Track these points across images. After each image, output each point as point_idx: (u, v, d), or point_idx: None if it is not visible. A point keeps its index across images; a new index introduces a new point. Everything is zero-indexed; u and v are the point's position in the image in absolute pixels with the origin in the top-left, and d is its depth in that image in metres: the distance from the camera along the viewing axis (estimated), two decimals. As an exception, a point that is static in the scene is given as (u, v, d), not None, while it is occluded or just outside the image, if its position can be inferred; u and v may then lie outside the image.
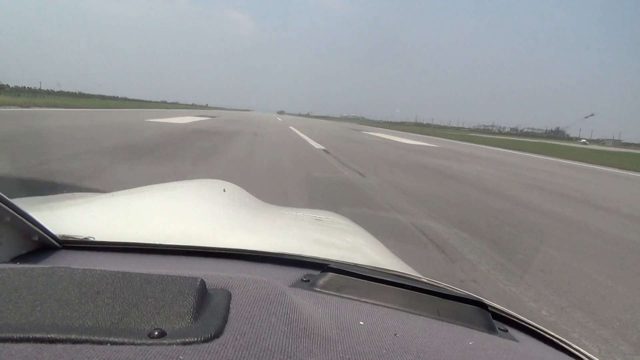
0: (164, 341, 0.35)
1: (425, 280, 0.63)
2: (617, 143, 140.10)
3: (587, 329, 2.28)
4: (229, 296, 0.44)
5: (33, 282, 0.40)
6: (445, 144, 23.45)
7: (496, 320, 0.57)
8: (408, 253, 3.37)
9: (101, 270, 0.42)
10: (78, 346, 0.33)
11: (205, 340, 0.35)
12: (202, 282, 0.42)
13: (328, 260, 0.66)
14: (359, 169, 8.06)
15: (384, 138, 24.54)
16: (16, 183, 4.33)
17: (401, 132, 42.63)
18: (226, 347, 0.35)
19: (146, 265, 0.62)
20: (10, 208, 0.54)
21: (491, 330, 0.54)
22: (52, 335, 0.34)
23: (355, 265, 0.64)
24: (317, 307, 0.49)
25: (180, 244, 0.69)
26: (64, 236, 0.66)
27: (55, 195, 1.25)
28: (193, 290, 0.40)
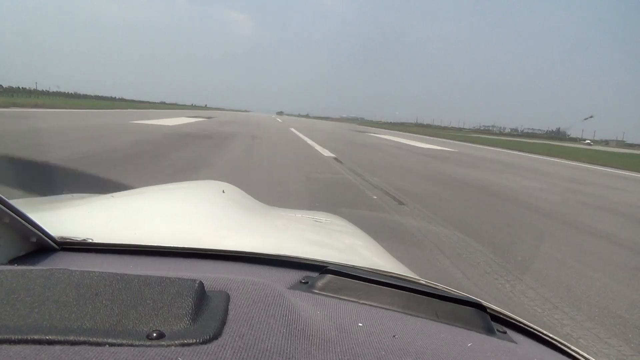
0: (163, 343, 0.34)
1: (424, 282, 0.62)
2: (621, 144, 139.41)
3: None
4: (227, 298, 0.44)
5: (31, 283, 0.39)
6: (461, 148, 21.96)
7: (495, 322, 0.57)
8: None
9: (99, 272, 0.42)
10: (76, 348, 0.33)
11: (204, 342, 0.35)
12: (201, 284, 0.42)
13: (327, 262, 0.66)
14: (388, 189, 6.21)
15: (394, 141, 22.77)
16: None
17: (405, 133, 41.59)
18: (225, 349, 0.35)
19: (144, 267, 0.62)
20: (8, 209, 0.53)
21: (490, 331, 0.53)
22: (50, 337, 0.33)
23: (354, 267, 0.64)
24: (315, 308, 0.48)
25: (179, 246, 0.68)
26: (62, 238, 0.65)
27: (54, 197, 1.26)
28: (191, 292, 0.40)
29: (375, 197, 5.52)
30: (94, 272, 0.42)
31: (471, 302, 0.56)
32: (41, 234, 0.60)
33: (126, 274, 0.42)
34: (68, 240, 0.66)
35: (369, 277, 0.58)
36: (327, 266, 0.61)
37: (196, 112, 48.14)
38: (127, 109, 39.56)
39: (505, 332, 0.56)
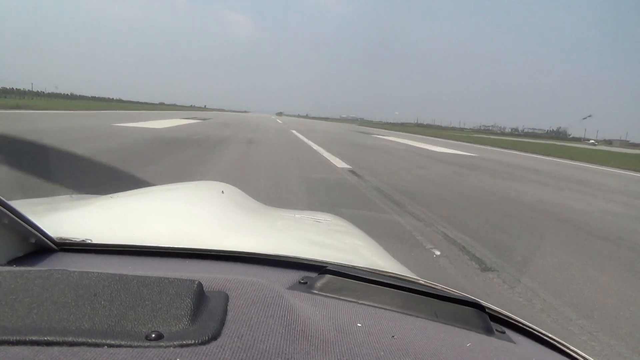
0: (161, 344, 0.34)
1: (423, 282, 0.62)
2: (625, 143, 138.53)
3: None
4: (226, 298, 0.44)
5: (30, 284, 0.39)
6: (478, 151, 19.85)
7: (494, 322, 0.57)
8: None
9: (98, 273, 0.42)
10: (75, 349, 0.33)
11: (203, 343, 0.35)
12: (200, 285, 0.42)
13: (326, 262, 0.66)
14: (448, 231, 4.12)
15: (404, 144, 20.78)
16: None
17: (408, 134, 39.98)
18: (223, 350, 0.35)
19: (143, 267, 0.62)
20: (7, 210, 0.53)
21: (489, 332, 0.53)
22: (49, 338, 0.33)
23: (353, 267, 0.64)
24: (314, 309, 0.48)
25: (178, 246, 0.68)
26: (61, 238, 0.65)
27: (53, 197, 1.26)
28: (190, 293, 0.40)
29: (440, 255, 3.37)
30: (93, 272, 0.42)
31: (470, 302, 0.56)
32: (40, 235, 0.60)
33: (125, 275, 0.42)
34: (67, 241, 0.66)
35: (368, 278, 0.58)
36: (326, 266, 0.61)
37: (193, 114, 46.61)
38: (120, 110, 38.34)
39: (504, 332, 0.56)
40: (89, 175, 5.54)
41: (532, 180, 9.46)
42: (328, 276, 0.58)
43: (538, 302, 2.65)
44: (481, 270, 3.11)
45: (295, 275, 0.62)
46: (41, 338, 0.33)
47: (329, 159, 10.10)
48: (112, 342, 0.34)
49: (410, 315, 0.53)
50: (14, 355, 0.32)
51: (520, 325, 0.61)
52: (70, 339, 0.34)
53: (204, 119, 31.68)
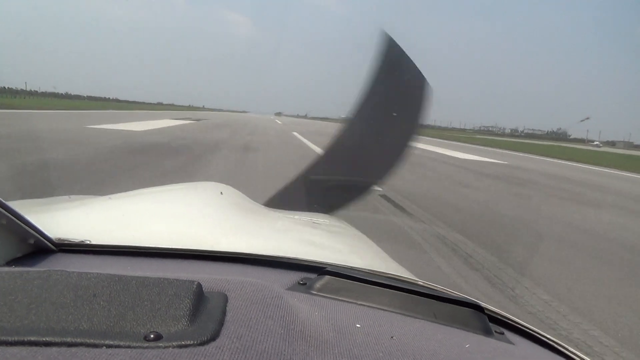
0: (160, 344, 0.34)
1: (422, 283, 0.62)
2: (629, 145, 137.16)
3: None
4: (225, 299, 0.43)
5: (28, 285, 0.39)
6: (505, 158, 17.94)
7: (492, 323, 0.57)
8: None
9: (97, 274, 0.42)
10: (73, 349, 0.33)
11: (202, 343, 0.35)
12: (199, 285, 0.42)
13: (325, 263, 0.66)
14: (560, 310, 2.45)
15: (420, 148, 18.49)
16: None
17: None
18: (222, 350, 0.35)
19: (142, 268, 0.62)
20: (5, 210, 0.53)
21: (487, 332, 0.53)
22: (47, 339, 0.33)
23: (352, 268, 0.64)
24: (313, 310, 0.48)
25: (177, 247, 0.68)
26: (60, 239, 0.65)
27: (52, 198, 1.26)
28: (189, 293, 0.40)
29: None
30: (92, 273, 0.42)
31: (469, 303, 0.56)
32: (39, 236, 0.60)
33: (124, 276, 0.42)
34: (66, 242, 0.65)
35: (366, 278, 0.58)
36: (325, 267, 0.61)
37: (188, 114, 44.58)
38: (113, 109, 36.85)
39: (502, 333, 0.56)
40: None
41: (602, 203, 7.34)
42: (327, 277, 0.58)
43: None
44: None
45: (294, 276, 0.61)
46: (40, 339, 0.33)
47: None
48: (111, 342, 0.34)
49: (409, 316, 0.53)
50: (13, 356, 0.32)
51: (519, 326, 0.60)
52: (69, 339, 0.34)
53: (197, 120, 29.47)
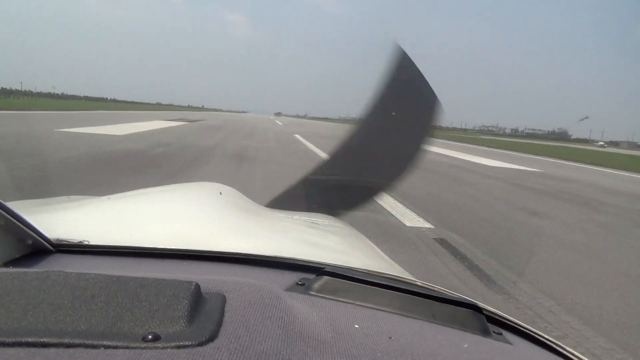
0: (158, 345, 0.34)
1: (420, 284, 0.62)
2: (633, 145, 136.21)
3: None
4: (223, 300, 0.43)
5: (26, 286, 0.39)
6: (533, 164, 15.99)
7: (490, 324, 0.57)
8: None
9: (95, 274, 0.42)
10: (71, 350, 0.33)
11: (200, 344, 0.35)
12: (197, 286, 0.42)
13: (323, 264, 0.65)
14: None
15: (441, 154, 16.63)
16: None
17: None
18: (221, 351, 0.35)
19: (141, 269, 0.61)
20: (3, 211, 0.53)
21: (485, 333, 0.53)
22: (45, 340, 0.33)
23: (351, 269, 0.64)
24: (312, 310, 0.48)
25: (175, 248, 0.68)
26: (58, 240, 0.65)
27: (50, 199, 1.26)
28: (187, 294, 0.40)
29: None
30: (90, 274, 0.42)
31: (467, 303, 0.56)
32: (37, 236, 0.60)
33: (122, 276, 0.42)
34: (64, 243, 0.65)
35: (365, 279, 0.58)
36: (323, 268, 0.61)
37: (184, 114, 42.61)
38: (106, 110, 34.80)
39: (501, 334, 0.56)
40: None
41: None
42: (325, 278, 0.58)
43: None
44: None
45: (292, 277, 0.61)
46: (37, 340, 0.33)
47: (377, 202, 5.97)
48: (109, 343, 0.34)
49: (408, 316, 0.53)
50: (10, 357, 0.31)
51: (517, 326, 0.60)
52: (66, 340, 0.33)
53: (192, 121, 27.51)
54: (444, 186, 7.96)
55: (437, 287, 0.61)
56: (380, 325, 0.48)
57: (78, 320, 0.36)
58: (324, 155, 10.37)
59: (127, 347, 0.33)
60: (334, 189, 1.52)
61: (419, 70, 1.32)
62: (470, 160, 14.73)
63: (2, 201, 0.53)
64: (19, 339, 0.33)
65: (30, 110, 21.88)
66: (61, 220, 0.80)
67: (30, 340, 0.33)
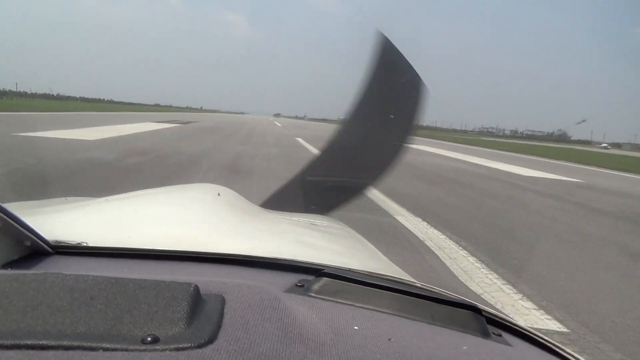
0: (157, 347, 0.34)
1: (420, 285, 0.62)
2: (636, 147, 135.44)
3: None
4: (222, 301, 0.43)
5: (24, 288, 0.39)
6: (559, 170, 14.49)
7: (490, 325, 0.57)
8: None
9: (94, 276, 0.41)
10: (70, 352, 0.33)
11: (199, 346, 0.35)
12: (196, 288, 0.42)
13: (322, 265, 0.65)
14: None
15: (460, 160, 14.86)
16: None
17: (429, 139, 34.66)
18: (220, 353, 0.34)
19: (139, 270, 0.61)
20: (1, 212, 0.53)
21: (485, 334, 0.53)
22: (44, 342, 0.33)
23: (350, 270, 0.63)
24: (311, 312, 0.48)
25: (174, 249, 0.67)
26: (56, 241, 0.64)
27: (48, 200, 1.25)
28: (187, 296, 0.40)
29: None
30: (88, 276, 0.41)
31: (467, 305, 0.56)
32: (35, 238, 0.59)
33: (121, 278, 0.42)
34: (62, 244, 0.64)
35: (364, 280, 0.57)
36: (323, 269, 0.60)
37: (180, 116, 40.74)
38: (98, 111, 33.47)
39: (500, 335, 0.56)
40: None
41: None
42: (325, 279, 0.57)
43: None
44: None
45: (291, 278, 0.60)
46: (36, 342, 0.33)
47: (413, 230, 4.34)
48: (108, 345, 0.33)
49: (407, 318, 0.53)
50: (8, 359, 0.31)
51: (517, 328, 0.60)
52: (65, 342, 0.33)
53: (186, 123, 25.79)
54: (493, 209, 6.15)
55: (437, 289, 0.60)
56: (379, 326, 0.47)
57: (77, 323, 0.35)
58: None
59: (126, 350, 0.33)
60: (325, 189, 1.49)
61: (401, 54, 1.29)
62: (497, 167, 12.96)
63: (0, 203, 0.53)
64: (17, 341, 0.33)
65: (10, 111, 20.32)
66: (59, 221, 0.79)
67: (28, 342, 0.33)
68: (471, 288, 3.00)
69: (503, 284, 3.05)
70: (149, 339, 0.34)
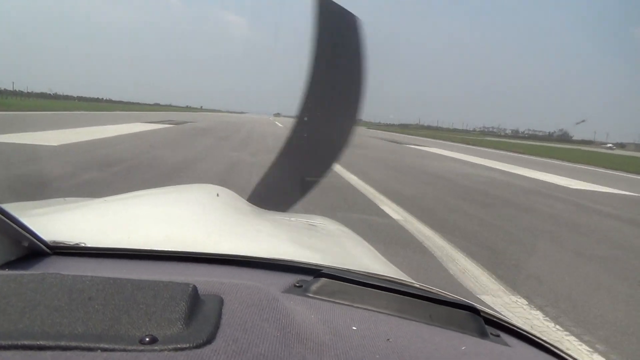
0: (155, 347, 0.34)
1: (418, 286, 0.61)
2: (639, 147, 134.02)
3: None
4: (221, 302, 0.43)
5: (22, 288, 0.39)
6: (597, 178, 13.15)
7: (488, 326, 0.57)
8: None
9: (92, 277, 0.41)
10: (68, 353, 0.32)
11: (197, 347, 0.35)
12: (194, 288, 0.41)
13: (321, 266, 0.65)
14: None
15: (482, 166, 13.25)
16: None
17: (436, 140, 34.09)
18: (218, 353, 0.34)
19: (138, 271, 0.61)
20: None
21: (483, 335, 0.53)
22: (42, 342, 0.33)
23: (348, 271, 0.63)
24: (310, 312, 0.48)
25: (173, 250, 0.67)
26: (54, 242, 0.64)
27: (46, 200, 1.24)
28: (185, 296, 0.39)
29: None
30: (86, 276, 0.41)
31: (465, 305, 0.56)
32: (33, 238, 0.59)
33: (119, 278, 0.41)
34: (60, 245, 0.64)
35: (363, 281, 0.57)
36: (321, 270, 0.60)
37: (176, 116, 38.97)
38: (83, 111, 31.80)
39: (498, 336, 0.55)
40: None
41: None
42: (323, 279, 0.57)
43: None
44: None
45: (290, 279, 0.60)
46: (34, 342, 0.33)
47: (459, 277, 3.20)
48: (106, 346, 0.33)
49: (405, 318, 0.53)
50: None
51: (515, 328, 0.60)
52: (63, 343, 0.33)
53: (181, 123, 24.09)
54: (600, 256, 4.39)
55: (435, 289, 0.60)
56: (378, 327, 0.47)
57: (75, 323, 0.35)
58: (370, 189, 6.87)
59: (124, 350, 0.33)
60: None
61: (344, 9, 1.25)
62: (535, 177, 11.27)
63: None
64: (15, 342, 0.32)
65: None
66: (57, 222, 0.79)
67: (27, 342, 0.32)
68: None
69: None
70: (147, 339, 0.34)
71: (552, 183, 10.55)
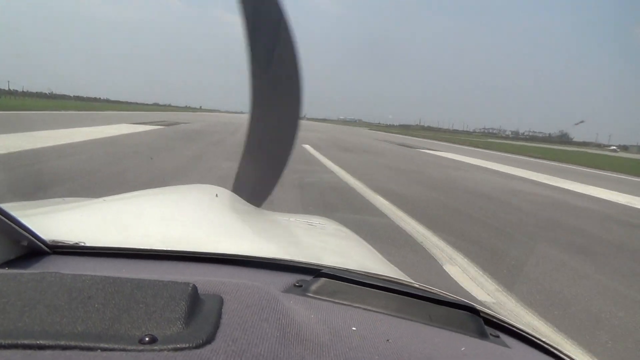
0: (155, 347, 0.34)
1: (417, 286, 0.61)
2: None
3: None
4: (221, 302, 0.43)
5: (22, 287, 0.39)
6: (622, 186, 11.81)
7: (488, 326, 0.56)
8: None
9: (91, 276, 0.41)
10: (67, 352, 0.33)
11: (197, 346, 0.35)
12: (194, 288, 0.41)
13: (320, 266, 0.65)
14: None
15: (510, 174, 11.57)
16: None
17: (443, 142, 32.77)
18: (218, 353, 0.34)
19: (137, 270, 0.61)
20: None
21: (483, 335, 0.53)
22: (41, 342, 0.33)
23: (348, 271, 0.63)
24: (309, 312, 0.48)
25: (172, 249, 0.67)
26: (54, 241, 0.64)
27: (46, 200, 1.26)
28: (185, 296, 0.39)
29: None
30: (86, 275, 0.41)
31: (464, 305, 0.56)
32: (32, 238, 0.59)
33: (118, 278, 0.41)
34: (60, 244, 0.64)
35: (362, 281, 0.57)
36: (321, 270, 0.60)
37: (170, 116, 37.15)
38: (74, 110, 30.82)
39: (498, 337, 0.55)
40: None
41: None
42: (323, 279, 0.57)
43: None
44: None
45: (290, 279, 0.60)
46: (33, 342, 0.33)
47: None
48: (106, 345, 0.33)
49: (405, 318, 0.53)
50: (5, 359, 0.31)
51: (515, 329, 0.59)
52: (63, 342, 0.33)
53: (173, 124, 22.20)
54: None
55: (434, 289, 0.60)
56: (377, 327, 0.47)
57: (74, 322, 0.35)
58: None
59: (123, 350, 0.33)
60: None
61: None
62: (592, 195, 9.28)
63: None
64: (15, 341, 0.32)
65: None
66: (57, 221, 0.79)
67: (26, 342, 0.33)
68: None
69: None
70: (147, 339, 0.34)
71: (619, 203, 8.47)
